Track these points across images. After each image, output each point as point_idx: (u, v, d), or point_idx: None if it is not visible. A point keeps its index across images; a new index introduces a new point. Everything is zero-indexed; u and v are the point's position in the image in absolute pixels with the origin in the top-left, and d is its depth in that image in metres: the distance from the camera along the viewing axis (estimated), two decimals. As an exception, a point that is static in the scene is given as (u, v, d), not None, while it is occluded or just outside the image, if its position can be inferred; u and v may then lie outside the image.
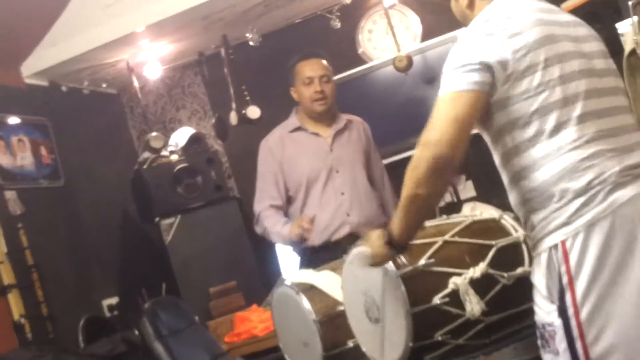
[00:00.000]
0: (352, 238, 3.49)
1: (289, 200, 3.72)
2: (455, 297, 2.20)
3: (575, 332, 1.86)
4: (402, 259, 2.24)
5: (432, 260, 2.25)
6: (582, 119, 1.90)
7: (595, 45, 2.06)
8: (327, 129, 3.74)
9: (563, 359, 1.89)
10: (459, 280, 2.21)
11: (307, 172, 3.66)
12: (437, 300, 2.19)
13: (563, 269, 1.87)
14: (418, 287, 2.19)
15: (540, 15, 1.99)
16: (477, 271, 2.23)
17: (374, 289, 2.29)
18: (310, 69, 3.68)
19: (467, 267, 2.25)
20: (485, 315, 2.21)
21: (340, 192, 3.63)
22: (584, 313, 1.85)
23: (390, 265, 2.20)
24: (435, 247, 2.29)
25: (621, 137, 1.94)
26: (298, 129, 3.75)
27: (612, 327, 1.85)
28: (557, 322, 1.89)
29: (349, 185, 3.64)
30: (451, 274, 2.23)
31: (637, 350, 1.85)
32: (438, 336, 2.22)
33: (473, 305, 2.18)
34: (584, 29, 2.07)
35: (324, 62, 3.73)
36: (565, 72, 1.92)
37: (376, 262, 2.18)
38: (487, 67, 1.89)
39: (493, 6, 2.05)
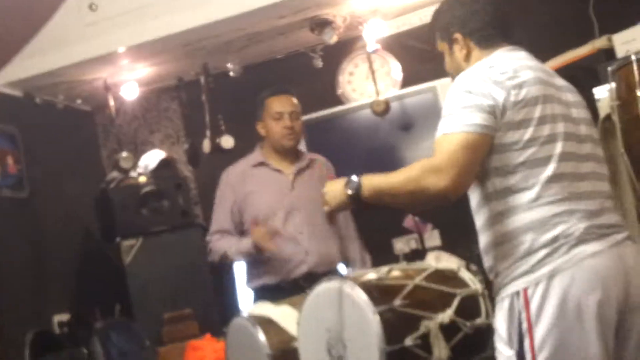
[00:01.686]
0: (310, 277, 3.46)
1: (245, 234, 3.68)
2: (423, 340, 2.21)
3: None
4: (376, 294, 2.24)
5: (406, 301, 2.25)
6: (561, 178, 1.99)
7: (583, 112, 2.17)
8: (290, 166, 3.74)
9: None
10: (431, 324, 2.22)
11: (263, 209, 3.64)
12: (409, 341, 2.19)
13: (523, 315, 1.95)
14: (391, 326, 2.20)
15: (541, 74, 2.09)
16: (445, 317, 2.26)
17: (343, 325, 2.28)
18: (281, 105, 3.70)
19: (436, 311, 2.27)
20: (447, 362, 2.23)
21: (299, 232, 3.62)
22: (540, 359, 1.92)
23: (367, 301, 2.20)
24: (408, 289, 2.30)
25: (594, 201, 2.03)
26: (261, 164, 3.75)
27: None
28: None
29: (308, 225, 3.62)
30: (422, 317, 2.24)
31: None
32: (404, 378, 2.21)
33: (441, 350, 2.20)
34: (574, 96, 2.18)
35: (294, 99, 3.77)
36: (554, 133, 2.01)
37: (333, 207, 2.27)
38: (493, 112, 1.97)
39: (496, 56, 2.15)
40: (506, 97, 1.98)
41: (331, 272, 3.55)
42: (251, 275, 3.71)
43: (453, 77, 2.27)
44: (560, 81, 2.18)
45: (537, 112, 2.00)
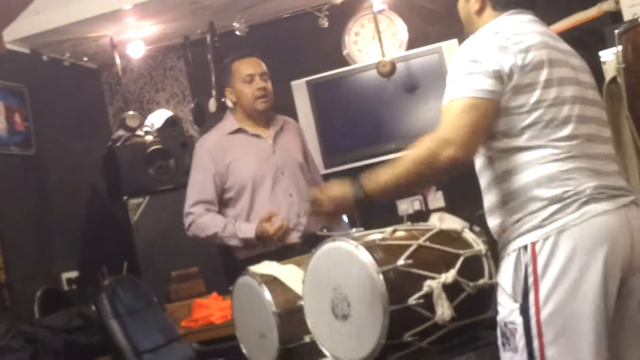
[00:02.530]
0: (305, 239, 3.43)
1: (227, 203, 3.59)
2: (427, 300, 2.22)
3: (534, 330, 1.96)
4: (380, 254, 2.26)
5: (410, 261, 2.27)
6: (570, 139, 2.01)
7: (588, 77, 2.17)
8: (266, 129, 3.64)
9: (521, 357, 1.99)
10: (434, 284, 2.24)
11: (252, 175, 3.53)
12: (412, 300, 2.22)
13: (530, 269, 1.98)
14: (395, 286, 2.20)
15: (546, 39, 2.09)
16: (449, 277, 2.26)
17: (347, 284, 2.30)
18: (251, 67, 3.58)
19: (439, 272, 2.28)
20: (449, 322, 2.25)
21: (288, 194, 3.54)
22: (544, 313, 1.95)
23: (371, 261, 2.23)
24: (412, 249, 2.32)
25: (600, 162, 2.05)
26: (238, 130, 3.62)
27: (568, 331, 1.94)
28: (519, 320, 1.99)
29: (295, 186, 3.56)
30: (426, 277, 2.26)
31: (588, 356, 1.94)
32: (407, 337, 2.24)
33: (444, 310, 2.21)
34: (579, 61, 2.18)
35: (262, 62, 3.64)
36: (561, 96, 2.03)
37: (336, 209, 2.28)
38: (499, 77, 1.99)
39: (502, 20, 2.14)
40: (513, 62, 1.98)
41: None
42: (242, 246, 3.55)
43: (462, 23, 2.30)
44: (565, 46, 2.17)
45: (543, 75, 2.01)
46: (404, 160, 2.06)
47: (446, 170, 2.00)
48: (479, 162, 2.14)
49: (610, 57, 3.40)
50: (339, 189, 2.23)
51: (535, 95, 2.00)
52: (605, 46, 3.56)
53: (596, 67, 3.59)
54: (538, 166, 1.99)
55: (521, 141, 2.01)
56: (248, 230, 3.44)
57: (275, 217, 3.42)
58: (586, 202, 1.96)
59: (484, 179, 2.14)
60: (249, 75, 3.56)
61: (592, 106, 2.11)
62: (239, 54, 3.68)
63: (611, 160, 2.11)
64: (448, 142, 1.95)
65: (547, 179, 1.98)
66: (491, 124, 2.02)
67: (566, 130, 2.01)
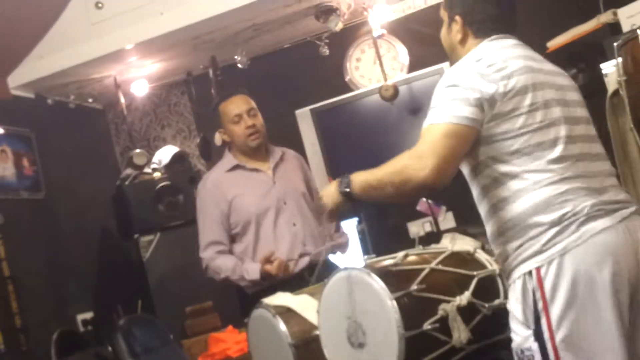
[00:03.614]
0: (313, 267, 3.40)
1: (235, 239, 3.60)
2: (442, 324, 2.22)
3: (551, 355, 1.94)
4: (392, 280, 2.25)
5: (423, 285, 2.27)
6: (560, 160, 2.01)
7: (575, 95, 2.18)
8: (264, 162, 3.66)
9: None
10: (449, 307, 2.23)
11: (254, 210, 3.54)
12: (427, 325, 2.21)
13: (538, 294, 1.96)
14: (409, 311, 2.20)
15: (529, 62, 2.09)
16: (463, 299, 2.26)
17: (362, 312, 2.29)
18: (236, 106, 3.60)
19: (453, 294, 2.28)
20: (467, 344, 2.23)
21: (292, 224, 3.55)
22: (559, 337, 1.94)
23: (383, 288, 2.22)
24: (424, 273, 2.31)
25: (595, 179, 2.05)
26: (236, 167, 3.65)
27: (585, 351, 1.93)
28: (534, 346, 1.97)
29: (299, 215, 3.57)
30: (440, 301, 2.25)
31: None
32: (425, 362, 2.23)
33: (461, 333, 2.20)
34: (565, 79, 2.19)
35: (247, 97, 3.66)
36: (548, 118, 2.03)
37: (331, 208, 2.31)
38: (480, 105, 1.99)
39: (484, 47, 2.15)
40: (495, 89, 1.99)
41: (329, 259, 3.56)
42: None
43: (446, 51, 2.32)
44: (550, 66, 2.18)
45: (528, 100, 2.01)
46: (386, 166, 2.09)
47: (414, 189, 2.01)
48: (475, 191, 2.14)
49: (611, 69, 3.40)
50: (331, 185, 2.31)
51: (520, 121, 2.00)
52: (605, 59, 3.56)
53: (598, 80, 3.60)
54: (532, 192, 1.99)
55: (512, 167, 2.01)
56: (253, 271, 3.45)
57: (274, 256, 3.41)
58: (585, 222, 1.95)
59: (482, 209, 2.14)
60: (236, 115, 3.58)
61: (580, 124, 2.11)
62: (224, 94, 3.73)
63: (606, 175, 2.11)
64: (425, 163, 1.96)
65: (543, 205, 1.98)
66: (467, 151, 2.04)
67: (556, 152, 2.01)
